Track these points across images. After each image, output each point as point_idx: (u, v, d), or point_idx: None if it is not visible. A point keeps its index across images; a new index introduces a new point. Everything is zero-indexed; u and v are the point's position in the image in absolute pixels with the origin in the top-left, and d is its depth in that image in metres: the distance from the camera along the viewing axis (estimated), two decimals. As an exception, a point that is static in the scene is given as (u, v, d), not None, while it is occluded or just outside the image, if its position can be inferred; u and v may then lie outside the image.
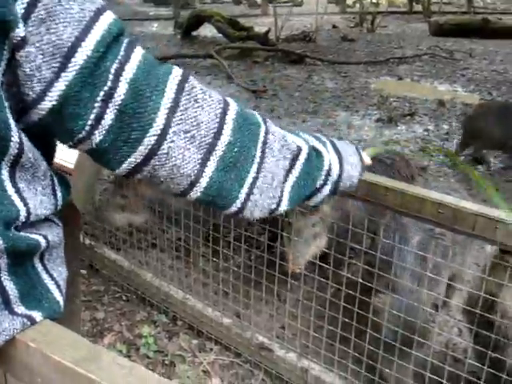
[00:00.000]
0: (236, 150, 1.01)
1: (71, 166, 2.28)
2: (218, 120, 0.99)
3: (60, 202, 0.99)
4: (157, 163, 0.95)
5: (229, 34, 11.30)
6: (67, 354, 0.81)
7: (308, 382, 2.45)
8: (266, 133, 1.07)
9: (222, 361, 2.68)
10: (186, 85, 0.96)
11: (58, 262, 1.02)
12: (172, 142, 0.94)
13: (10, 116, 0.83)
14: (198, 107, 0.96)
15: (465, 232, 1.67)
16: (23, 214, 0.90)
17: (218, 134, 0.98)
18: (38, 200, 0.93)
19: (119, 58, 0.88)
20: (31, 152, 0.89)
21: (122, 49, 0.89)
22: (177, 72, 0.96)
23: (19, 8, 0.78)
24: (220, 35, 11.62)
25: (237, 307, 2.79)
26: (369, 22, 14.64)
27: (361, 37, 13.28)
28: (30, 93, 0.83)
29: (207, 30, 12.21)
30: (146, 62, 0.92)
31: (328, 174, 1.22)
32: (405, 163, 3.59)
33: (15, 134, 0.84)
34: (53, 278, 1.00)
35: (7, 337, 0.88)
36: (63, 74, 0.83)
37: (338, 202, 2.76)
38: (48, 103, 0.84)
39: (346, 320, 2.83)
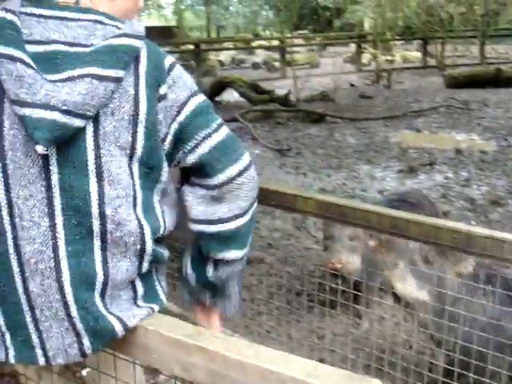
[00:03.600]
0: None
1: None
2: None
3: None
4: None
5: (251, 98, 11.75)
6: (178, 331, 1.12)
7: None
8: None
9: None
10: None
11: (163, 277, 1.37)
12: None
13: (162, 151, 1.22)
14: None
15: (477, 253, 1.94)
16: (162, 229, 1.27)
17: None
18: (169, 220, 1.31)
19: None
20: (168, 180, 1.27)
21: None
22: None
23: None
24: (243, 99, 12.10)
25: None
26: (385, 78, 15.13)
27: (378, 93, 13.70)
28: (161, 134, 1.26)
29: (230, 95, 12.69)
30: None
31: None
32: (429, 203, 3.88)
33: (165, 164, 1.23)
34: (161, 286, 1.33)
35: (138, 320, 1.19)
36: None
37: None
38: (167, 145, 1.26)
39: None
